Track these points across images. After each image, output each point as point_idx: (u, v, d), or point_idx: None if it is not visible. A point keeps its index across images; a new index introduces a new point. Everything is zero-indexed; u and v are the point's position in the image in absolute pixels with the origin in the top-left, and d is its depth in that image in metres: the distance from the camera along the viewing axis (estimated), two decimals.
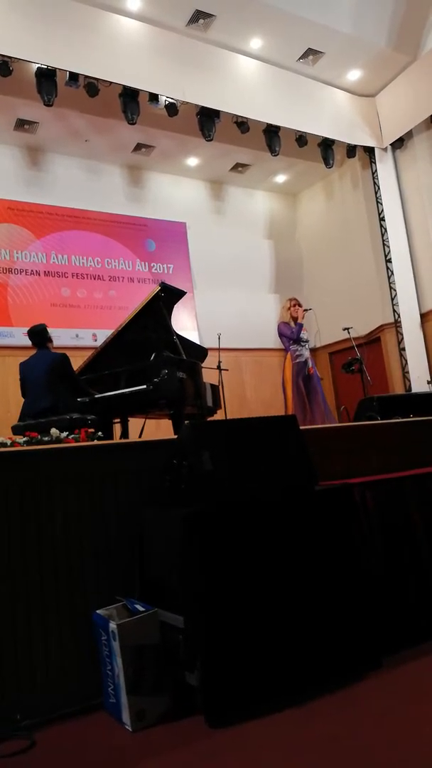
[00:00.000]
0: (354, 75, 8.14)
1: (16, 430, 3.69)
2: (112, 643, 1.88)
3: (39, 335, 4.28)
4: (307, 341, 6.32)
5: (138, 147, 8.33)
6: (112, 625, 1.88)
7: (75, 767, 1.65)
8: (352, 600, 2.14)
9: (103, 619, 1.95)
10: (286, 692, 1.90)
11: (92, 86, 6.51)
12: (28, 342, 4.41)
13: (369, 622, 2.16)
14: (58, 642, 2.07)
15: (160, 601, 2.05)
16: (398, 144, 8.55)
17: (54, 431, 3.08)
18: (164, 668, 1.91)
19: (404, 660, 2.14)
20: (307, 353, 6.20)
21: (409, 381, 8.17)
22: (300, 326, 6.19)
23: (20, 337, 7.31)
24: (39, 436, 3.05)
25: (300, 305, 6.30)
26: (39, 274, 7.76)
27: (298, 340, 6.17)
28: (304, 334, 6.24)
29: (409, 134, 8.41)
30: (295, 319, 6.21)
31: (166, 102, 7.02)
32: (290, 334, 6.17)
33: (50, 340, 4.32)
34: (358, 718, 1.74)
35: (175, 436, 2.58)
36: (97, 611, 2.01)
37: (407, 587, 2.43)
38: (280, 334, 6.32)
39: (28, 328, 4.41)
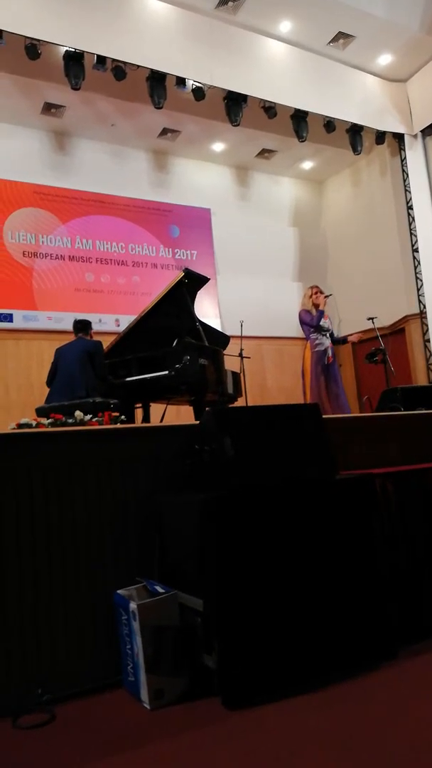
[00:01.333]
0: (385, 59, 7.97)
1: (40, 412, 3.74)
2: (132, 622, 1.91)
3: (81, 323, 4.62)
4: (328, 329, 6.25)
5: (164, 132, 8.30)
6: (133, 605, 1.91)
7: (94, 740, 1.69)
8: (370, 590, 2.14)
9: (123, 599, 1.98)
10: (301, 678, 1.92)
11: (119, 70, 6.49)
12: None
13: (386, 613, 2.15)
14: (78, 620, 2.11)
15: (179, 584, 2.07)
16: (429, 130, 8.39)
17: (78, 414, 3.12)
18: (183, 650, 1.94)
19: (420, 652, 2.14)
20: (327, 342, 6.14)
21: None
22: (321, 313, 6.13)
23: (44, 321, 7.39)
24: (63, 419, 3.09)
25: (322, 293, 6.23)
26: (64, 259, 7.81)
27: (318, 328, 6.11)
28: (325, 323, 6.18)
29: None
30: (316, 307, 6.14)
31: (193, 86, 6.97)
32: (310, 320, 6.12)
33: (90, 335, 4.60)
34: (372, 707, 1.75)
35: (196, 423, 2.60)
36: (118, 591, 2.04)
37: (426, 579, 2.42)
38: (301, 322, 6.27)
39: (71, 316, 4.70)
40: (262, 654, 1.90)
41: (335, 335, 6.56)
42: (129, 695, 1.95)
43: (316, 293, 6.19)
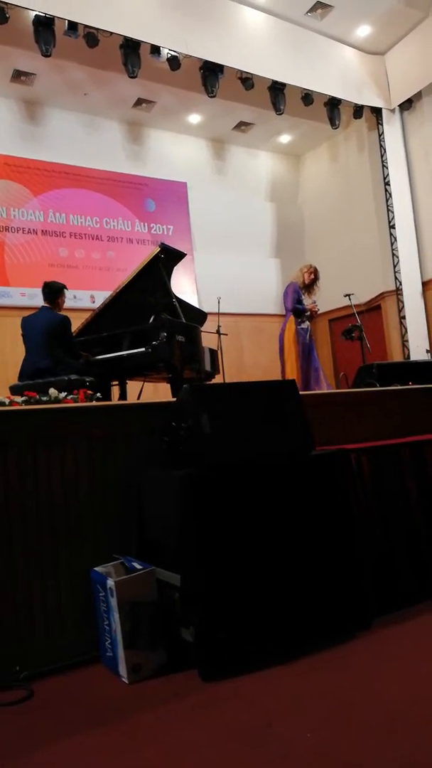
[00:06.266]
0: (363, 31, 7.86)
1: (14, 390, 3.68)
2: (110, 599, 1.91)
3: (48, 287, 4.23)
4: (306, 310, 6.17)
5: (138, 102, 8.10)
6: (110, 582, 1.91)
7: (72, 716, 1.70)
8: (345, 562, 2.18)
9: (101, 576, 1.98)
10: (277, 649, 1.95)
11: (92, 36, 6.28)
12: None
13: (360, 584, 2.20)
14: (56, 597, 2.11)
15: (157, 560, 2.08)
16: (407, 105, 8.33)
17: (53, 391, 3.08)
18: (160, 624, 1.95)
19: (393, 622, 2.19)
20: (308, 321, 6.09)
21: (408, 349, 8.16)
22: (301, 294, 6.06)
23: (18, 297, 7.24)
24: (38, 396, 3.05)
25: (317, 277, 6.13)
26: (36, 233, 7.64)
27: (301, 312, 6.03)
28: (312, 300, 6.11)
29: (418, 95, 8.19)
30: (310, 283, 6.05)
31: (169, 55, 6.80)
32: (289, 305, 6.02)
33: (58, 305, 4.25)
34: (347, 675, 1.79)
35: (173, 400, 2.58)
36: (95, 568, 2.04)
37: (399, 552, 2.47)
38: (285, 295, 6.14)
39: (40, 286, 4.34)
40: (239, 625, 1.92)
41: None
42: (107, 670, 1.96)
43: (311, 273, 6.09)
